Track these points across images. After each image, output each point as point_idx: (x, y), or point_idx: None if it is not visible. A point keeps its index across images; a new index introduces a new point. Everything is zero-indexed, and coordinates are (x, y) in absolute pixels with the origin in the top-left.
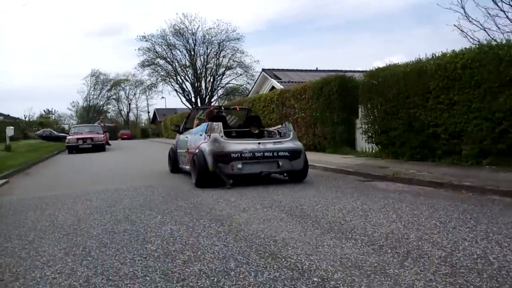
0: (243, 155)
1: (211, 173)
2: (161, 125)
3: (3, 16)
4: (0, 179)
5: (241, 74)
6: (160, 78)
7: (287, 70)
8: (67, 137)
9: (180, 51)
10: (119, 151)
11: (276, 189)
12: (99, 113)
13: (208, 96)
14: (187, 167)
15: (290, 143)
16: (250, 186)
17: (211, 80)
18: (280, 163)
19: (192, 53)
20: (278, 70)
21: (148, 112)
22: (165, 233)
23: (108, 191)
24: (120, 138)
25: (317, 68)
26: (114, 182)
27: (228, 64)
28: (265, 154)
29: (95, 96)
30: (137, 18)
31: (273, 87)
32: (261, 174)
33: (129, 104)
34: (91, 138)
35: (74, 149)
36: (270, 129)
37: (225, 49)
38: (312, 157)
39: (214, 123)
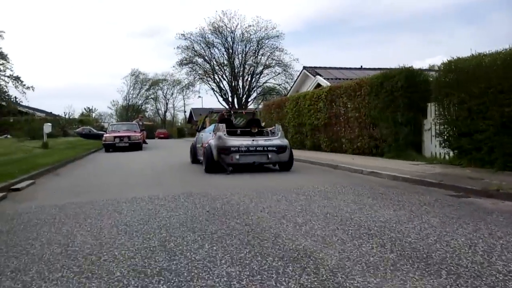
0: (240, 148)
1: (216, 162)
2: (198, 124)
3: (51, 16)
4: (26, 179)
5: (279, 73)
6: (197, 76)
7: (330, 68)
8: (104, 135)
9: (218, 50)
10: (155, 150)
11: (266, 176)
12: (138, 112)
13: (245, 96)
14: (201, 158)
15: (278, 141)
16: (245, 173)
17: (249, 79)
18: (269, 156)
19: (230, 51)
20: (320, 68)
21: (185, 111)
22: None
23: (142, 200)
24: (157, 137)
25: (361, 66)
26: (148, 186)
27: (267, 63)
28: (257, 148)
29: (134, 95)
30: (177, 19)
31: (318, 85)
32: (254, 164)
33: (166, 104)
34: (128, 137)
35: (110, 147)
36: (269, 129)
37: (264, 47)
38: (371, 162)
39: (220, 124)
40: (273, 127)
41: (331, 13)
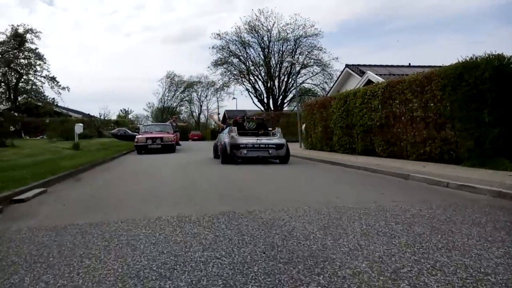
0: (247, 145)
1: (229, 155)
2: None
3: (93, 23)
4: (38, 187)
5: (317, 73)
6: (232, 77)
7: (375, 65)
8: (136, 136)
9: (254, 49)
10: (189, 153)
11: (267, 167)
12: (173, 114)
13: (281, 97)
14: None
15: (277, 140)
16: (252, 164)
17: (285, 79)
18: (270, 151)
19: (266, 50)
20: (364, 65)
21: (218, 114)
22: None
23: (168, 224)
24: (191, 139)
25: (410, 63)
26: (178, 201)
27: (305, 62)
28: (260, 145)
29: (169, 98)
30: (212, 25)
31: (369, 82)
32: (258, 157)
33: (201, 106)
34: (161, 138)
35: (143, 149)
36: (273, 130)
37: (301, 45)
38: (452, 172)
39: (233, 127)
40: (275, 129)
41: (365, 14)
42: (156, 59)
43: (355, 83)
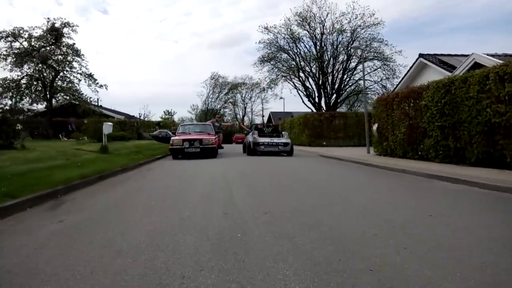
0: (264, 143)
1: (252, 150)
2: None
3: (142, 31)
4: None
5: (377, 68)
6: (281, 74)
7: (455, 55)
8: (172, 138)
9: (305, 43)
10: (232, 158)
11: (276, 158)
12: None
13: (334, 95)
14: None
15: (284, 140)
16: (267, 156)
17: (339, 75)
18: (279, 147)
19: (319, 44)
20: (443, 55)
21: (263, 116)
22: None
23: None
24: (234, 142)
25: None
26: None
27: (363, 55)
28: (273, 143)
29: (213, 100)
30: (256, 29)
31: (476, 65)
32: (271, 151)
33: (245, 108)
34: (200, 140)
35: (179, 153)
36: (282, 132)
37: (359, 37)
38: None
39: (255, 130)
40: (284, 132)
41: (417, 14)
42: (202, 64)
43: (433, 75)
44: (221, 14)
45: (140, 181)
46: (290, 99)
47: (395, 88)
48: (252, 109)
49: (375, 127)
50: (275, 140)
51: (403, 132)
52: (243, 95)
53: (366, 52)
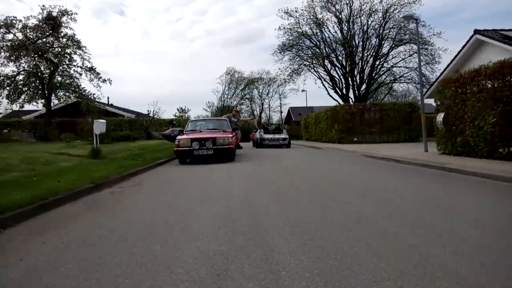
0: (268, 138)
1: (259, 144)
2: (300, 124)
3: (159, 31)
4: None
5: (414, 53)
6: (303, 63)
7: None
8: (177, 138)
9: (330, 28)
10: (254, 163)
11: (278, 150)
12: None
13: (364, 85)
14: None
15: (283, 135)
16: (271, 148)
17: (369, 63)
18: (280, 142)
19: (346, 28)
20: (504, 30)
21: (281, 112)
22: None
23: None
24: (252, 140)
25: None
26: None
27: (397, 38)
28: (275, 138)
29: (229, 96)
30: (271, 25)
31: None
32: (274, 144)
33: (262, 104)
34: (213, 140)
35: (187, 156)
36: (283, 130)
37: (392, 18)
38: None
39: (261, 128)
40: (283, 130)
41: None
42: (218, 62)
43: (493, 54)
44: (235, 12)
45: (97, 219)
46: (309, 94)
47: (441, 74)
48: (269, 105)
49: (439, 117)
50: (277, 136)
51: (491, 122)
52: (260, 91)
53: (402, 34)
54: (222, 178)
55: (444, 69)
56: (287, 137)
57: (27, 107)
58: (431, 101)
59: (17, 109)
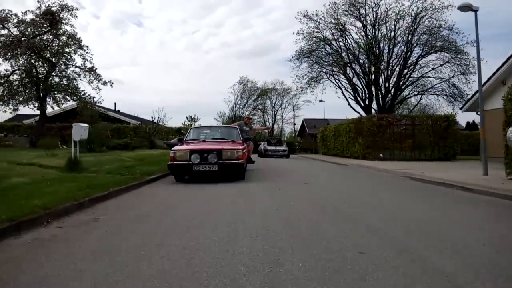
0: (270, 150)
1: (263, 154)
2: (317, 137)
3: (175, 43)
4: None
5: (446, 62)
6: (323, 71)
7: None
8: (173, 149)
9: (355, 33)
10: (270, 181)
11: (279, 160)
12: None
13: (390, 95)
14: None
15: (283, 147)
16: (273, 158)
17: (395, 71)
18: (280, 153)
19: (372, 33)
20: None
21: (294, 124)
22: None
23: None
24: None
25: None
26: None
27: (428, 45)
28: (276, 150)
29: (241, 106)
30: (286, 39)
31: None
32: (275, 155)
33: (275, 115)
34: (218, 152)
35: (184, 173)
36: (283, 142)
37: (422, 24)
38: None
39: (265, 141)
40: (283, 143)
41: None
42: (232, 73)
43: None
44: (251, 25)
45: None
46: (333, 99)
47: (484, 84)
48: (282, 116)
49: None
50: (278, 148)
51: None
52: (273, 101)
53: (433, 41)
54: (227, 215)
55: (488, 79)
56: (287, 149)
57: (27, 111)
58: (470, 115)
59: (10, 111)
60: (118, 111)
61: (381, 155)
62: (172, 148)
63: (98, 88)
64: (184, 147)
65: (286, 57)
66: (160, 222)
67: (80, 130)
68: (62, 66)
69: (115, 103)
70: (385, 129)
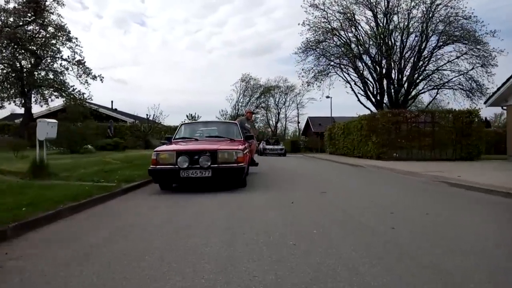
0: (269, 149)
1: (262, 153)
2: (324, 135)
3: (178, 42)
4: None
5: (464, 53)
6: (331, 64)
7: None
8: (155, 150)
9: (361, 26)
10: (277, 190)
11: (282, 159)
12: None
13: (403, 89)
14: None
15: (280, 146)
16: (272, 157)
17: (408, 63)
18: (278, 151)
19: (383, 22)
20: None
21: (298, 122)
22: None
23: None
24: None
25: None
26: None
27: (445, 35)
28: (274, 149)
29: (243, 104)
30: (288, 38)
31: None
32: (273, 154)
33: (278, 113)
34: (212, 153)
35: (169, 180)
36: (280, 142)
37: (437, 12)
38: None
39: (264, 141)
40: (280, 142)
41: None
42: (234, 72)
43: None
44: (254, 24)
45: None
46: (328, 105)
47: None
48: (286, 114)
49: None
50: (275, 147)
51: None
52: (277, 100)
53: (451, 30)
54: (218, 257)
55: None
56: (283, 148)
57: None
58: (494, 110)
59: None
60: (116, 109)
61: (395, 154)
62: (155, 149)
63: (87, 82)
64: (170, 147)
65: (289, 56)
66: (103, 271)
67: (45, 128)
68: (48, 60)
69: (112, 101)
70: (401, 126)
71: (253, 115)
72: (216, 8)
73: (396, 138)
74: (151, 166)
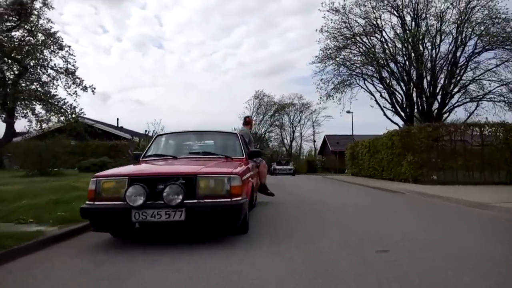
0: (279, 169)
1: (272, 172)
2: (345, 154)
3: (193, 64)
4: None
5: (506, 60)
6: (352, 74)
7: None
8: (93, 177)
9: (386, 32)
10: (306, 255)
11: (285, 177)
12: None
13: (437, 102)
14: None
15: (290, 166)
16: (282, 175)
17: (441, 73)
18: (287, 171)
19: (410, 28)
20: None
21: (314, 141)
22: None
23: None
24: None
25: None
26: None
27: (481, 40)
28: (284, 169)
29: (257, 122)
30: (301, 58)
31: None
32: (283, 173)
33: (293, 132)
34: (185, 180)
35: (118, 226)
36: (290, 163)
37: (473, 14)
38: None
39: (276, 162)
40: (292, 163)
41: None
42: (248, 92)
43: None
44: (268, 45)
45: None
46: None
47: None
48: (301, 133)
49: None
50: (285, 167)
51: None
52: (291, 117)
53: (485, 36)
54: None
55: None
56: (292, 168)
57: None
58: None
59: None
60: (121, 127)
61: (434, 176)
62: (95, 174)
63: (76, 94)
64: (123, 170)
65: (303, 76)
66: None
67: None
68: (37, 69)
69: (117, 119)
70: (443, 142)
71: (252, 122)
72: (231, 30)
73: (437, 157)
74: (87, 202)
